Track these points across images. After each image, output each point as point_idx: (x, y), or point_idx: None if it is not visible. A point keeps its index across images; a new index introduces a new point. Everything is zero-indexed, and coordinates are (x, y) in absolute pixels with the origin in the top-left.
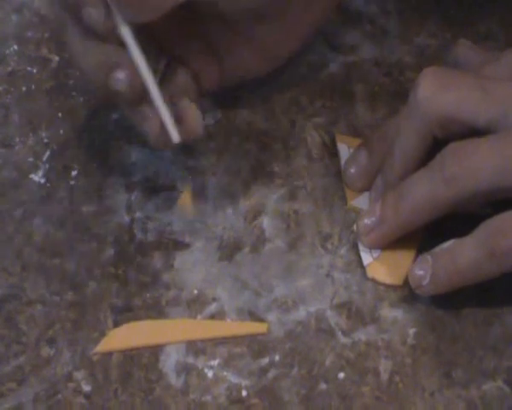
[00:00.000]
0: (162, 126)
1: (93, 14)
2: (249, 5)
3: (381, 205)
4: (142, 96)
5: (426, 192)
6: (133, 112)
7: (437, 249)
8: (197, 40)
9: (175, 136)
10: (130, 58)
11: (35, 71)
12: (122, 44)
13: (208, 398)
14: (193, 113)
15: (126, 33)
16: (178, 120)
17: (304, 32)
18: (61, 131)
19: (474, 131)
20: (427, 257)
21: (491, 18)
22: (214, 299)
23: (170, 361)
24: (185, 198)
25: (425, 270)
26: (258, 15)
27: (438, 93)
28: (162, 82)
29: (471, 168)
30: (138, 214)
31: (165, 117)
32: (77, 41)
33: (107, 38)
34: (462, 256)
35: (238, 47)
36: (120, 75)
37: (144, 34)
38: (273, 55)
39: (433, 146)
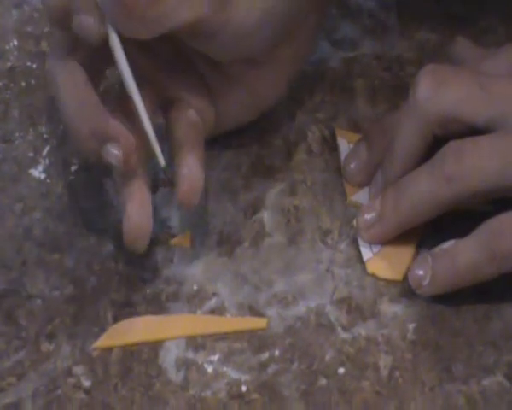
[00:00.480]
0: (139, 215)
1: (86, 21)
2: (240, 55)
3: (380, 201)
4: (134, 174)
5: (426, 191)
6: (121, 184)
7: (437, 250)
8: (193, 81)
9: (161, 161)
10: (119, 72)
11: (35, 66)
12: (117, 114)
13: (208, 393)
14: (192, 181)
15: (116, 44)
16: (177, 182)
17: (292, 71)
18: (61, 127)
19: (474, 130)
20: (427, 257)
21: (492, 12)
22: (214, 294)
23: (170, 357)
24: (184, 239)
25: (425, 270)
26: (249, 60)
27: (437, 92)
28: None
29: (471, 167)
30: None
31: (152, 139)
32: (71, 105)
33: (98, 49)
34: (462, 258)
35: (231, 90)
36: (114, 149)
37: (142, 75)
38: (264, 97)
39: (433, 143)
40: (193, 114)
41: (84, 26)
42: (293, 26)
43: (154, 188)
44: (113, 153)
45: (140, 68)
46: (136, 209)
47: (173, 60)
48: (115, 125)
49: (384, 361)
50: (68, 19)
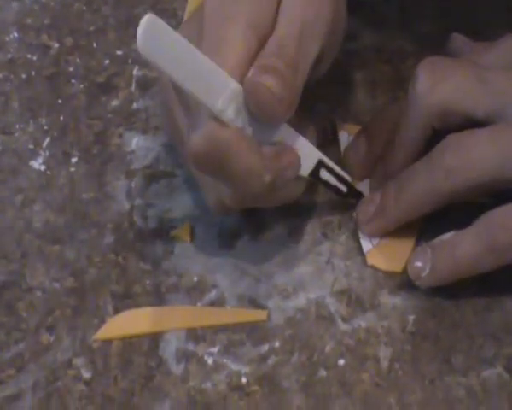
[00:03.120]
0: None
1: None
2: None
3: (381, 194)
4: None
5: (425, 184)
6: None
7: (436, 241)
8: None
9: (348, 177)
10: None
11: (35, 58)
12: None
13: (208, 385)
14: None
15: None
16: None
17: None
18: (61, 118)
19: (474, 122)
20: (427, 249)
21: (491, 4)
22: (214, 286)
23: (170, 348)
24: (183, 232)
25: (424, 262)
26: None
27: (436, 85)
28: None
29: (470, 160)
30: (138, 201)
31: (333, 167)
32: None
33: None
34: (461, 249)
35: None
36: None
37: None
38: None
39: (433, 136)
40: None
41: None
42: None
43: (154, 178)
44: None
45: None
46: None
47: None
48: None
49: (384, 353)
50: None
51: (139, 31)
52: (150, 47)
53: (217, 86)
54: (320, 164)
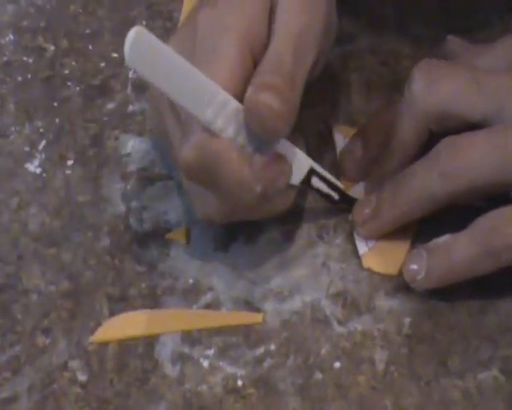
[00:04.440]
0: None
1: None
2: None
3: (376, 196)
4: None
5: (421, 187)
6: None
7: (431, 244)
8: None
9: (339, 184)
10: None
11: (31, 61)
12: None
13: (204, 388)
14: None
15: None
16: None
17: None
18: (57, 121)
19: (470, 125)
20: (422, 252)
21: (487, 6)
22: (210, 289)
23: (165, 351)
24: (179, 234)
25: (419, 265)
26: None
27: (432, 87)
28: None
29: (467, 163)
30: (134, 204)
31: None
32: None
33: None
34: (456, 252)
35: None
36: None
37: None
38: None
39: (429, 138)
40: None
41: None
42: None
43: (150, 181)
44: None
45: None
46: None
47: None
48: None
49: (380, 356)
50: None
51: (127, 43)
52: (138, 59)
53: (206, 97)
54: (311, 172)
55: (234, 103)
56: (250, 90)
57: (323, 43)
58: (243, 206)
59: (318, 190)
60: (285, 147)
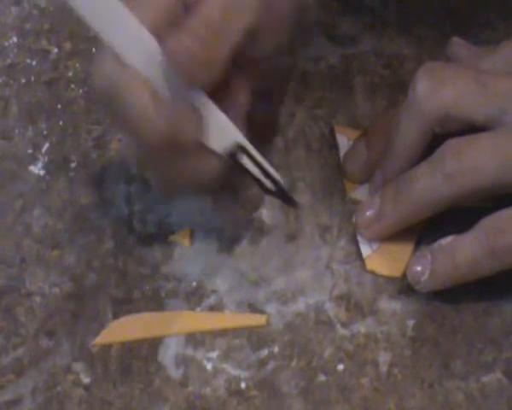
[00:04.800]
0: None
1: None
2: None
3: (380, 198)
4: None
5: (425, 188)
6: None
7: (436, 245)
8: None
9: (277, 176)
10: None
11: (34, 63)
12: None
13: (207, 390)
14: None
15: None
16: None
17: None
18: (61, 123)
19: (473, 127)
20: (426, 253)
21: (491, 8)
22: (213, 291)
23: (169, 353)
24: (182, 237)
25: (424, 266)
26: None
27: (436, 90)
28: None
29: (471, 165)
30: (137, 206)
31: (261, 161)
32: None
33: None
34: (461, 253)
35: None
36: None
37: None
38: None
39: (433, 140)
40: None
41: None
42: None
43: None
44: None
45: None
46: None
47: None
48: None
49: (383, 358)
50: None
51: None
52: None
53: (129, 36)
54: (241, 149)
55: (154, 45)
56: (170, 33)
57: (267, 15)
58: (150, 144)
59: (249, 173)
60: (211, 110)
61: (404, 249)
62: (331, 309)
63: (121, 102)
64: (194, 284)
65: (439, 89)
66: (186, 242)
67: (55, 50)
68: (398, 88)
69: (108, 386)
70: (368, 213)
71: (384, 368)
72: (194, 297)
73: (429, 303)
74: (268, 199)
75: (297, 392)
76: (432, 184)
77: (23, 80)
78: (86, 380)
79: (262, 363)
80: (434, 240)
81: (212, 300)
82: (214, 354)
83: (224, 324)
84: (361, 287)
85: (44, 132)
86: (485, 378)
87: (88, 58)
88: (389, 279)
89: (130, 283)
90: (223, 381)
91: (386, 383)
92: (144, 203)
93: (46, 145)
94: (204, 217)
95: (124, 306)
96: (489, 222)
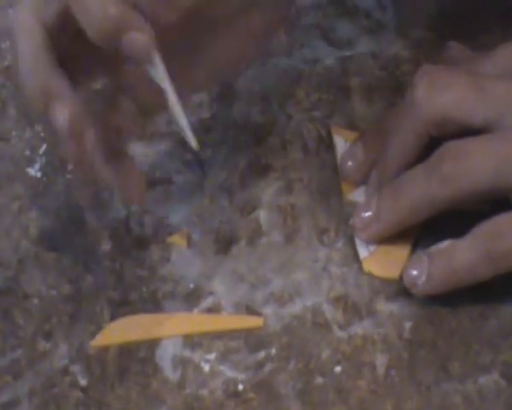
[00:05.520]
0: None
1: (140, 39)
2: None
3: (377, 200)
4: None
5: (422, 191)
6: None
7: (433, 249)
8: None
9: (194, 144)
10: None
11: None
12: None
13: (205, 392)
14: (136, 179)
15: None
16: (120, 184)
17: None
18: None
19: (471, 131)
20: (423, 257)
21: (488, 12)
22: (211, 293)
23: (166, 355)
24: (180, 238)
25: (420, 270)
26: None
27: (434, 94)
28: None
29: (468, 169)
30: (134, 208)
31: (183, 125)
32: (30, 55)
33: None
34: (458, 258)
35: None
36: (59, 109)
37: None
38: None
39: (430, 143)
40: None
41: (136, 44)
42: None
43: (150, 185)
44: (57, 113)
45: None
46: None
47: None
48: (62, 83)
49: (380, 360)
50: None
51: None
52: None
53: None
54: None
55: None
56: None
57: None
58: (99, 32)
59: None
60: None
61: (402, 251)
62: (328, 311)
63: None
64: (192, 285)
65: (437, 92)
66: (183, 243)
67: None
68: (395, 90)
69: (106, 388)
70: (365, 215)
71: (381, 370)
72: (192, 299)
73: (426, 305)
74: (265, 201)
75: (294, 394)
76: (429, 186)
77: None
78: (83, 382)
79: (259, 365)
80: (431, 243)
81: (209, 302)
82: (212, 356)
83: (222, 325)
84: (358, 289)
85: (41, 134)
86: (483, 380)
87: None
88: (386, 281)
89: (127, 284)
90: (220, 383)
91: (383, 385)
92: (141, 205)
93: (43, 147)
94: (201, 219)
95: (121, 308)
96: (486, 227)
